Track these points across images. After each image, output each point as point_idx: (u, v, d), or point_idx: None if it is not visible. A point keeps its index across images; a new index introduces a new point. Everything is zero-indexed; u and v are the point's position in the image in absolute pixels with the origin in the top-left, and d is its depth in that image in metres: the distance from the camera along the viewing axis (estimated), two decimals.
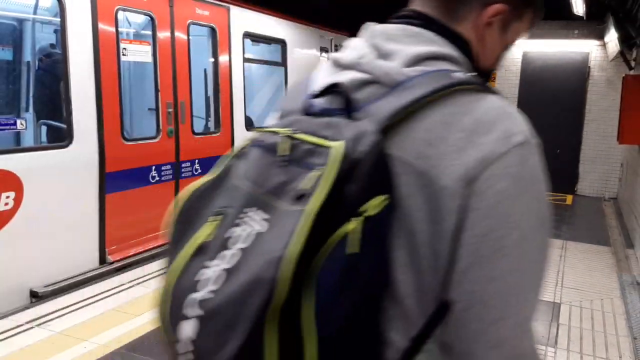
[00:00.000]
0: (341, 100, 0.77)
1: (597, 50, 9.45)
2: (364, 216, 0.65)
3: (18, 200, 4.12)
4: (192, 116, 5.91)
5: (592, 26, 9.16)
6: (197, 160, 5.97)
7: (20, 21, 5.65)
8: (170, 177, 5.64)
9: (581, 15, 7.98)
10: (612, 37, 7.63)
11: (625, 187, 8.32)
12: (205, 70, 6.61)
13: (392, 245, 0.70)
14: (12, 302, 4.07)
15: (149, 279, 4.56)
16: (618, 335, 3.95)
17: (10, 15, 5.53)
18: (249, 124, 7.05)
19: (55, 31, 5.13)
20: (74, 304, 4.01)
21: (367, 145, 0.69)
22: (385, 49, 0.81)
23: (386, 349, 0.73)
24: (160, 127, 5.50)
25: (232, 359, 0.64)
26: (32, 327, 3.62)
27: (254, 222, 0.70)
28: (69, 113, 4.53)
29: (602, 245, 6.35)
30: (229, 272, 0.67)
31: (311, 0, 8.64)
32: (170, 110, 5.55)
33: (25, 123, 4.64)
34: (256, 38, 7.27)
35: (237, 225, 0.71)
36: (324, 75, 0.90)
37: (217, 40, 6.33)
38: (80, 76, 4.60)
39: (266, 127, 0.83)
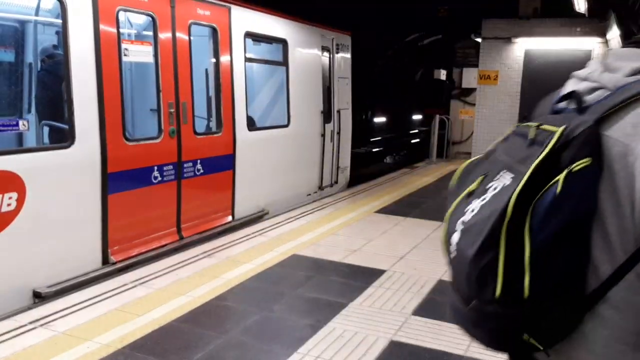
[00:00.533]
0: (576, 102, 1.11)
1: (600, 47, 9.42)
2: (569, 169, 0.96)
3: (20, 201, 4.15)
4: (193, 116, 5.93)
5: (594, 23, 9.14)
6: (199, 160, 6.00)
7: (22, 23, 5.66)
8: (173, 177, 5.65)
9: (583, 12, 7.97)
10: (614, 34, 7.61)
11: None
12: (206, 71, 6.60)
13: (602, 196, 0.98)
14: (15, 303, 4.10)
15: (152, 279, 4.57)
16: None
17: (12, 17, 5.54)
18: (251, 124, 7.07)
19: (57, 32, 5.18)
20: (77, 304, 4.02)
21: (582, 127, 0.99)
22: (613, 65, 1.11)
23: (590, 272, 0.99)
24: (162, 128, 5.51)
25: (477, 250, 0.99)
26: (35, 328, 3.62)
27: (504, 179, 1.06)
28: (71, 113, 4.55)
29: None
30: (483, 206, 1.05)
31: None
32: (172, 110, 5.56)
33: (28, 124, 4.66)
34: (257, 38, 7.28)
35: (494, 180, 1.09)
36: (569, 87, 1.25)
37: (218, 40, 6.34)
38: (81, 77, 4.61)
39: (524, 123, 1.21)
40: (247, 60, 6.95)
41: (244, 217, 6.83)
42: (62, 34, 4.57)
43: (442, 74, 14.26)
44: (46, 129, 5.28)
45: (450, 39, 14.73)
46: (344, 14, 9.79)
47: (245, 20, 6.84)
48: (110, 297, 4.18)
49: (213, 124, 6.53)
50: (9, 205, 4.06)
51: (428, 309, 4.19)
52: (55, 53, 5.34)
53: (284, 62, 7.81)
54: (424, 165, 12.52)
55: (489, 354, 3.52)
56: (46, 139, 5.27)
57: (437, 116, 13.00)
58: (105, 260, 4.94)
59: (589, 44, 9.43)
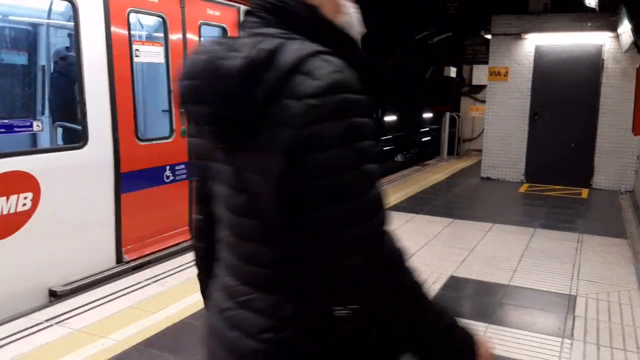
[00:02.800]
0: None
1: (611, 42, 9.35)
2: None
3: (35, 201, 4.19)
4: None
5: (605, 18, 9.06)
6: None
7: (35, 25, 5.70)
8: (185, 176, 5.70)
9: (593, 7, 7.91)
10: (625, 28, 7.55)
11: None
12: None
13: None
14: (31, 302, 4.15)
15: (165, 277, 4.62)
16: (635, 326, 3.92)
17: (26, 20, 5.61)
18: None
19: (69, 35, 5.20)
20: (92, 302, 4.08)
21: None
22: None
23: None
24: (174, 127, 5.59)
25: None
26: (51, 325, 3.68)
27: None
28: (84, 114, 4.60)
29: (619, 238, 6.29)
30: None
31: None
32: (183, 110, 5.53)
33: (42, 125, 4.70)
34: None
35: None
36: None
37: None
38: (94, 78, 4.65)
39: None
40: None
41: None
42: (74, 36, 4.61)
43: (452, 72, 14.22)
44: (60, 130, 5.32)
45: (460, 36, 14.69)
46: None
47: None
48: (124, 295, 4.23)
49: None
50: (24, 205, 4.11)
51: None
52: (68, 55, 5.37)
53: None
54: (434, 162, 12.50)
55: (502, 349, 3.53)
56: (60, 140, 5.32)
57: (448, 114, 12.97)
58: (120, 259, 4.99)
59: (600, 38, 9.35)
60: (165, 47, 5.51)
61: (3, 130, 4.35)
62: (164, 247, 5.38)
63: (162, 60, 5.53)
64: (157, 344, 3.46)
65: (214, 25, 6.18)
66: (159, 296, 4.20)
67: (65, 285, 4.42)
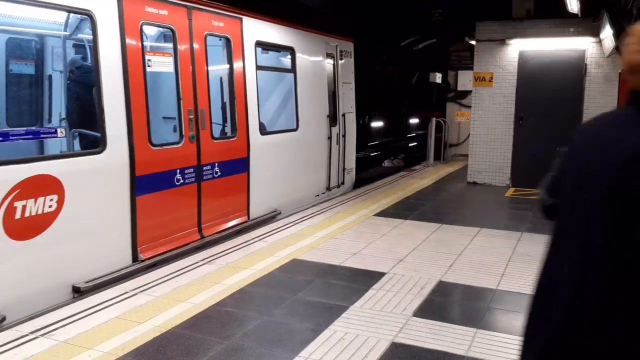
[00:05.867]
0: None
1: (594, 47, 9.47)
2: None
3: (60, 203, 4.42)
4: (211, 122, 6.21)
5: (587, 23, 9.19)
6: (216, 164, 6.29)
7: (55, 38, 5.90)
8: (193, 179, 5.92)
9: (576, 12, 8.01)
10: (607, 33, 7.65)
11: None
12: (221, 79, 6.83)
13: None
14: (56, 298, 4.40)
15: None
16: None
17: (47, 33, 5.83)
18: (263, 129, 7.32)
19: (89, 46, 5.45)
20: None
21: None
22: None
23: None
24: (183, 133, 5.79)
25: None
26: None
27: None
28: (102, 121, 4.84)
29: None
30: None
31: (316, 8, 8.73)
32: (191, 117, 5.86)
33: (65, 131, 5.02)
34: (267, 46, 7.55)
35: None
36: None
37: (231, 49, 6.60)
38: (111, 87, 4.90)
39: None
40: (258, 68, 7.17)
41: (258, 217, 7.07)
42: (93, 47, 4.83)
43: (438, 77, 14.32)
44: (81, 137, 5.48)
45: (445, 43, 14.80)
46: (346, 21, 9.89)
47: (256, 30, 7.10)
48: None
49: (228, 129, 6.78)
50: (50, 206, 4.34)
51: (428, 310, 4.20)
52: (84, 64, 5.58)
53: (292, 69, 8.06)
54: (421, 168, 12.56)
55: (490, 354, 3.54)
56: (80, 146, 5.49)
57: (434, 119, 13.04)
58: (135, 258, 5.20)
59: (583, 43, 9.47)
60: (174, 57, 5.72)
61: (31, 136, 4.85)
62: (175, 247, 5.61)
63: (171, 69, 5.73)
64: (145, 354, 3.42)
65: (218, 36, 6.45)
66: (146, 306, 4.16)
67: (87, 282, 4.65)
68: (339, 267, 5.20)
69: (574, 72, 9.58)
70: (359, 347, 3.57)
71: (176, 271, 4.96)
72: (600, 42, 9.18)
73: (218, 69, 6.66)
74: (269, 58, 7.97)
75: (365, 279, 4.83)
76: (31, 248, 4.23)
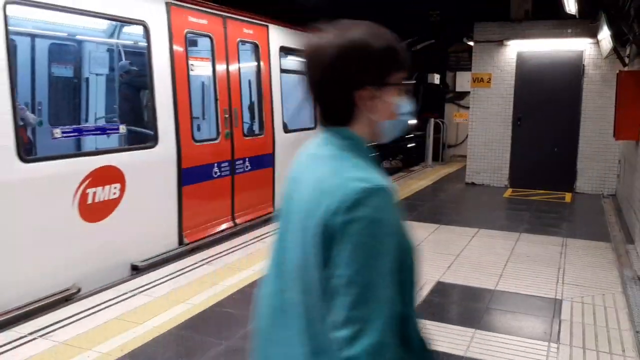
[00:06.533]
0: None
1: (591, 48, 9.49)
2: None
3: (122, 191, 5.05)
4: (242, 121, 6.93)
5: (585, 24, 9.21)
6: (247, 159, 6.97)
7: (115, 46, 6.56)
8: (228, 172, 6.60)
9: (574, 13, 8.02)
10: (605, 34, 7.67)
11: (623, 183, 8.34)
12: (249, 81, 7.55)
13: None
14: (118, 274, 4.99)
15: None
16: (620, 329, 3.96)
17: (108, 41, 6.53)
18: (286, 128, 7.95)
19: (142, 53, 5.95)
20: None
21: None
22: None
23: None
24: (220, 130, 6.43)
25: None
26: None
27: None
28: (155, 120, 5.48)
29: (602, 241, 6.36)
30: None
31: (337, 16, 8.78)
32: (226, 116, 6.52)
33: (125, 128, 5.64)
34: (290, 51, 8.09)
35: None
36: None
37: (259, 54, 7.28)
38: (162, 90, 5.54)
39: None
40: (282, 71, 7.80)
41: None
42: (147, 54, 5.43)
43: (436, 78, 14.32)
44: (137, 134, 5.97)
45: (443, 43, 14.80)
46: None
47: (280, 36, 7.80)
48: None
49: (256, 127, 7.52)
50: (114, 194, 4.97)
51: (427, 310, 4.21)
52: (131, 69, 6.28)
53: None
54: (420, 168, 12.57)
55: (489, 354, 3.54)
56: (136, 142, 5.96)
57: (432, 120, 13.04)
58: (181, 241, 5.84)
59: (581, 44, 9.48)
60: (212, 62, 6.35)
61: (99, 132, 5.74)
62: (213, 232, 6.26)
63: (209, 73, 6.41)
64: (142, 355, 3.43)
65: (248, 42, 7.11)
66: (146, 306, 4.17)
67: (143, 262, 5.26)
68: None
69: (572, 73, 9.60)
70: None
71: (175, 272, 4.97)
72: (598, 43, 9.20)
73: (247, 72, 7.37)
74: (289, 62, 8.50)
75: None
76: (99, 230, 4.84)
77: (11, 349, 3.46)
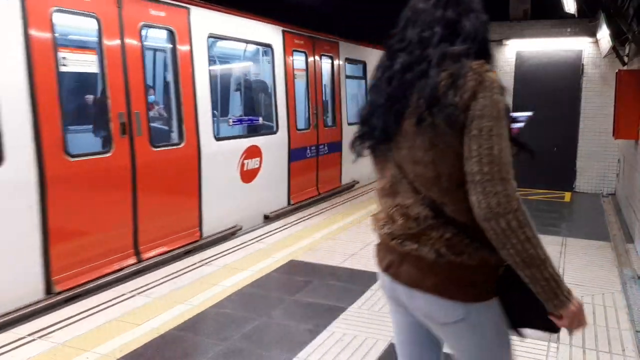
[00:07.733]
0: None
1: (590, 47, 9.49)
2: None
3: (260, 163, 7.44)
4: (324, 115, 9.37)
5: (584, 24, 9.21)
6: (325, 144, 9.27)
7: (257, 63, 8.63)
8: (315, 154, 8.99)
9: (573, 13, 8.03)
10: (604, 33, 7.67)
11: (623, 182, 8.34)
12: (324, 85, 9.50)
13: None
14: (258, 221, 7.34)
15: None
16: (620, 329, 3.96)
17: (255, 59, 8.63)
18: (348, 121, 10.00)
19: (268, 61, 8.06)
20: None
21: None
22: None
23: None
24: (310, 122, 8.83)
25: None
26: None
27: None
28: (276, 115, 7.91)
29: (602, 240, 6.35)
30: None
31: (387, 26, 8.96)
32: (315, 111, 8.90)
33: (261, 120, 7.95)
34: (351, 61, 10.40)
35: None
36: None
37: (333, 63, 9.58)
38: (280, 93, 7.94)
39: None
40: (347, 77, 10.16)
41: (345, 185, 9.99)
42: (272, 67, 7.90)
43: None
44: (266, 124, 8.05)
45: None
46: (334, 24, 10.01)
47: (345, 50, 10.00)
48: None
49: (330, 120, 9.73)
50: (256, 164, 7.35)
51: None
52: (254, 79, 8.52)
53: (364, 77, 10.99)
54: None
55: None
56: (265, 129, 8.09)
57: None
58: (289, 202, 8.21)
59: (580, 44, 9.49)
60: (306, 71, 8.73)
61: (249, 122, 7.91)
62: (306, 197, 8.62)
63: (304, 79, 8.74)
64: (142, 355, 3.42)
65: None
66: (144, 307, 4.17)
67: (271, 213, 7.58)
68: (338, 268, 5.20)
69: (571, 72, 9.60)
70: (357, 347, 3.57)
71: (174, 272, 4.96)
72: (597, 42, 9.20)
73: (325, 77, 9.53)
74: (355, 69, 10.96)
75: (363, 280, 4.83)
76: (249, 188, 7.22)
77: (10, 350, 3.45)
